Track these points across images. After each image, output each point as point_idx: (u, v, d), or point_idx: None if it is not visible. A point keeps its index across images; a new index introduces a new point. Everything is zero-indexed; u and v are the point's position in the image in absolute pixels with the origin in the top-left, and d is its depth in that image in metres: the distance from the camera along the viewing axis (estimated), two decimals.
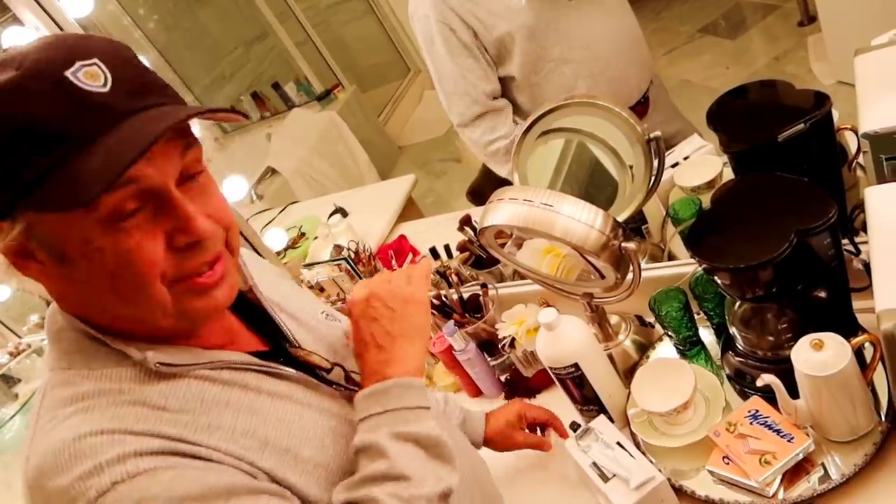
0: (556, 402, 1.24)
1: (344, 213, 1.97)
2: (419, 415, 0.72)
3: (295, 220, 2.13)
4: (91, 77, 0.60)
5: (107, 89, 0.60)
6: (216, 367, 0.70)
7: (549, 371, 1.12)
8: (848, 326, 0.98)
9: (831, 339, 0.88)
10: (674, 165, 1.37)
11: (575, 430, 1.07)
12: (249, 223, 1.73)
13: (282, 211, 2.36)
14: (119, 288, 0.63)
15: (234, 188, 1.63)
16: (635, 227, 1.39)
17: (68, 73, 0.59)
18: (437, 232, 1.78)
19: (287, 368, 0.75)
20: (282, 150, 3.73)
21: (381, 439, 0.69)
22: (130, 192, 0.60)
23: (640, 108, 1.66)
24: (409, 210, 2.14)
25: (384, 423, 0.71)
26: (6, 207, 0.60)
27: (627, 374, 1.21)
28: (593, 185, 1.37)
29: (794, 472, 0.94)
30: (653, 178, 1.23)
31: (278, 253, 1.75)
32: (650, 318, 1.27)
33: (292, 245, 1.95)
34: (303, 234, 2.01)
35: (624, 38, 1.60)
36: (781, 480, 0.94)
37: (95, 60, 0.60)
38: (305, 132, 3.79)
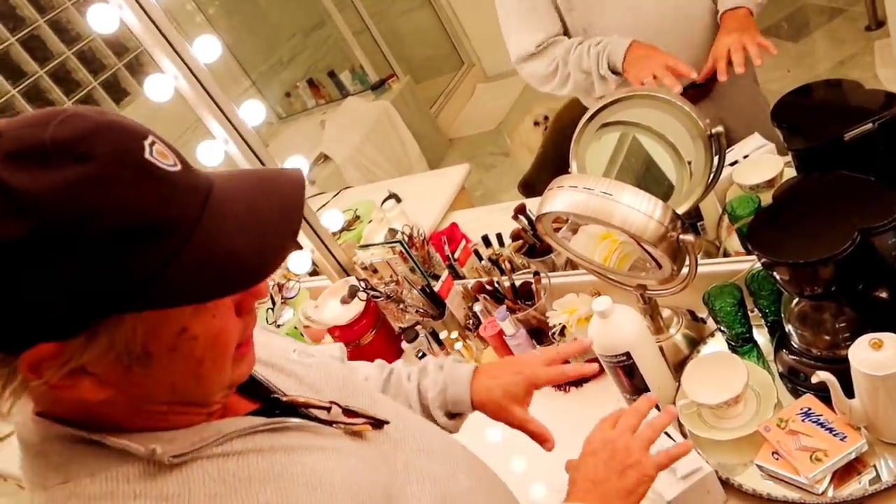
0: (603, 392, 1.25)
1: (398, 199, 2.00)
2: None
3: (349, 205, 2.18)
4: (163, 156, 0.53)
5: (179, 168, 0.54)
6: (226, 439, 0.62)
7: (601, 359, 1.14)
8: None
9: (891, 340, 0.87)
10: (732, 164, 1.36)
11: None
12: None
13: (336, 195, 2.40)
14: (202, 372, 0.58)
15: (294, 165, 1.67)
16: (691, 223, 1.39)
17: (147, 156, 0.52)
18: (489, 221, 1.79)
19: (292, 419, 0.67)
20: (335, 137, 3.79)
21: None
22: None
23: (694, 91, 1.64)
24: (461, 199, 2.16)
25: None
26: (98, 312, 0.51)
27: (677, 367, 1.21)
28: (649, 179, 1.38)
29: (845, 472, 0.94)
30: (712, 175, 1.23)
31: (334, 234, 1.80)
32: (702, 314, 1.27)
33: (347, 227, 1.99)
34: (357, 217, 2.06)
35: (686, 18, 1.56)
36: (832, 479, 0.94)
37: (153, 137, 0.54)
38: (358, 120, 3.84)
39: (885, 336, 0.88)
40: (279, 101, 4.54)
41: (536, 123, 3.23)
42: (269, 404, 0.70)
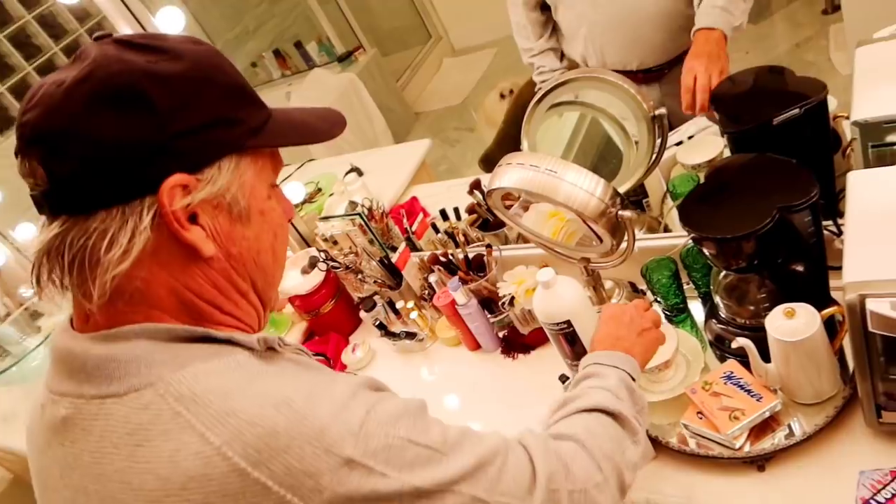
0: (549, 358, 1.33)
1: (360, 173, 2.04)
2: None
3: (312, 177, 2.21)
4: None
5: None
6: (282, 346, 0.72)
7: (544, 327, 1.20)
8: (822, 300, 1.06)
9: (803, 309, 0.95)
10: (678, 143, 1.43)
11: (563, 382, 1.15)
12: None
13: (299, 167, 2.43)
14: (276, 248, 0.73)
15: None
16: (637, 200, 1.46)
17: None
18: (448, 196, 1.85)
19: None
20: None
21: (609, 373, 0.90)
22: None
23: (652, 75, 1.72)
24: (423, 174, 2.21)
25: (612, 370, 0.91)
26: (229, 147, 0.65)
27: None
28: (601, 158, 1.44)
29: (761, 429, 1.02)
30: (654, 154, 1.30)
31: (296, 206, 1.84)
32: (642, 286, 1.35)
33: (309, 199, 2.03)
34: (319, 190, 2.09)
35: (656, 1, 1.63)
36: (748, 436, 1.02)
37: None
38: (324, 92, 3.84)
39: (798, 306, 0.96)
40: (245, 71, 4.48)
41: (502, 96, 3.26)
42: None
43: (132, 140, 0.61)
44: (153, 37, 0.66)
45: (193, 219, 0.65)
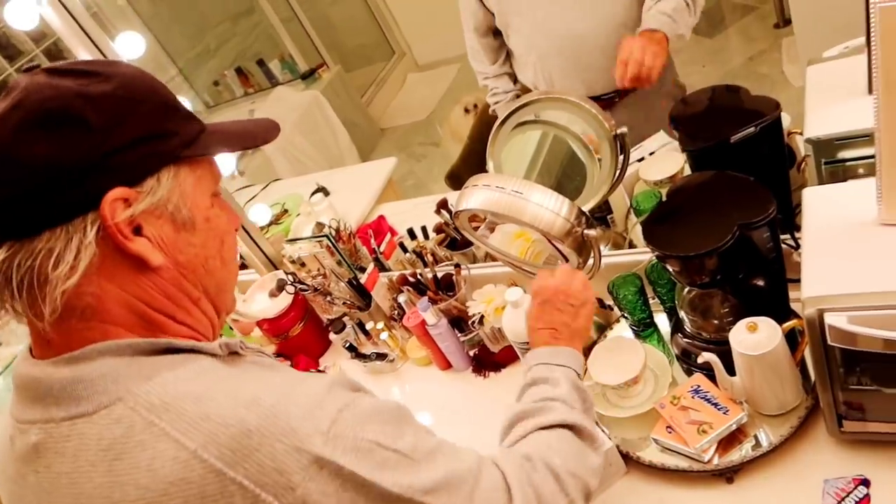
0: (519, 376, 1.33)
1: (326, 193, 2.03)
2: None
3: (277, 198, 2.20)
4: None
5: None
6: (244, 349, 0.74)
7: (514, 345, 1.21)
8: (783, 313, 1.09)
9: (765, 323, 0.98)
10: (640, 160, 1.46)
11: None
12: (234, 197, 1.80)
13: (265, 187, 2.42)
14: (224, 254, 0.74)
15: (221, 164, 1.68)
16: (601, 216, 1.49)
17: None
18: (416, 214, 1.85)
19: None
20: None
21: (559, 376, 0.91)
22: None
23: (602, 103, 1.75)
24: (389, 192, 2.21)
25: (560, 371, 0.93)
26: (166, 158, 0.67)
27: (586, 352, 1.30)
28: (565, 175, 1.46)
29: (729, 441, 1.04)
30: (618, 172, 1.32)
31: (262, 228, 1.82)
32: (609, 301, 1.37)
33: (275, 221, 2.02)
34: (286, 211, 2.08)
35: (604, 30, 1.67)
36: (717, 448, 1.04)
37: None
38: (288, 110, 3.83)
39: (760, 320, 0.98)
40: (207, 90, 4.46)
41: (467, 111, 3.29)
42: None
43: (68, 160, 0.62)
44: (82, 62, 0.69)
45: (138, 231, 0.66)
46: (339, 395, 0.67)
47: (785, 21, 3.33)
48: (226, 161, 1.73)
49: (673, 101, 1.85)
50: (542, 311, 1.01)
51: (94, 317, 0.66)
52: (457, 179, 2.55)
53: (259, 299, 1.68)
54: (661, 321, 1.29)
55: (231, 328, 1.75)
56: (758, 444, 1.04)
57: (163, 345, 0.67)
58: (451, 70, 4.60)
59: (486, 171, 1.32)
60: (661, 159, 1.40)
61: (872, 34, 0.75)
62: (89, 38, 1.40)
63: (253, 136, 0.78)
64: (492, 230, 1.26)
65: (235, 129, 0.77)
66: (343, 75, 4.31)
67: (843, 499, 0.94)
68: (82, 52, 1.41)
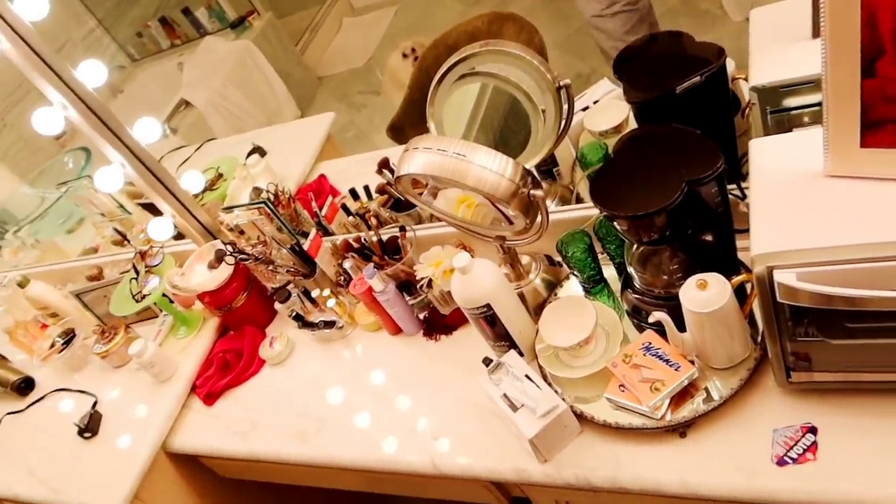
0: (471, 338, 1.32)
1: (262, 153, 1.95)
2: None
3: (212, 161, 2.09)
4: None
5: None
6: None
7: (464, 311, 1.19)
8: (731, 267, 1.08)
9: (714, 279, 0.97)
10: (585, 108, 1.42)
11: (487, 365, 1.14)
12: (164, 163, 1.70)
13: (198, 149, 2.30)
14: None
15: (146, 130, 1.58)
16: (547, 169, 1.45)
17: None
18: (358, 172, 1.79)
19: None
20: (195, 80, 3.58)
21: None
22: None
23: None
24: (329, 148, 2.13)
25: None
26: None
27: (537, 310, 1.29)
28: (508, 129, 1.41)
29: (681, 397, 1.05)
30: (562, 124, 1.28)
31: (196, 195, 1.73)
32: (559, 258, 1.35)
33: (210, 187, 1.92)
34: (220, 176, 1.99)
35: None
36: (669, 404, 1.04)
37: None
38: (219, 61, 3.65)
39: (710, 276, 0.98)
40: (130, 42, 4.21)
41: (405, 56, 3.17)
42: None
43: None
44: None
45: None
46: None
47: None
48: (152, 127, 1.61)
49: None
50: None
51: None
52: (399, 131, 2.46)
53: (198, 271, 1.61)
54: (611, 274, 1.27)
55: (171, 302, 1.68)
56: (709, 397, 1.05)
57: None
58: (388, 13, 4.43)
59: (427, 125, 1.27)
60: (606, 108, 1.37)
61: None
62: None
63: None
64: (434, 196, 1.21)
65: None
66: (275, 22, 4.11)
67: (791, 447, 0.96)
68: None
